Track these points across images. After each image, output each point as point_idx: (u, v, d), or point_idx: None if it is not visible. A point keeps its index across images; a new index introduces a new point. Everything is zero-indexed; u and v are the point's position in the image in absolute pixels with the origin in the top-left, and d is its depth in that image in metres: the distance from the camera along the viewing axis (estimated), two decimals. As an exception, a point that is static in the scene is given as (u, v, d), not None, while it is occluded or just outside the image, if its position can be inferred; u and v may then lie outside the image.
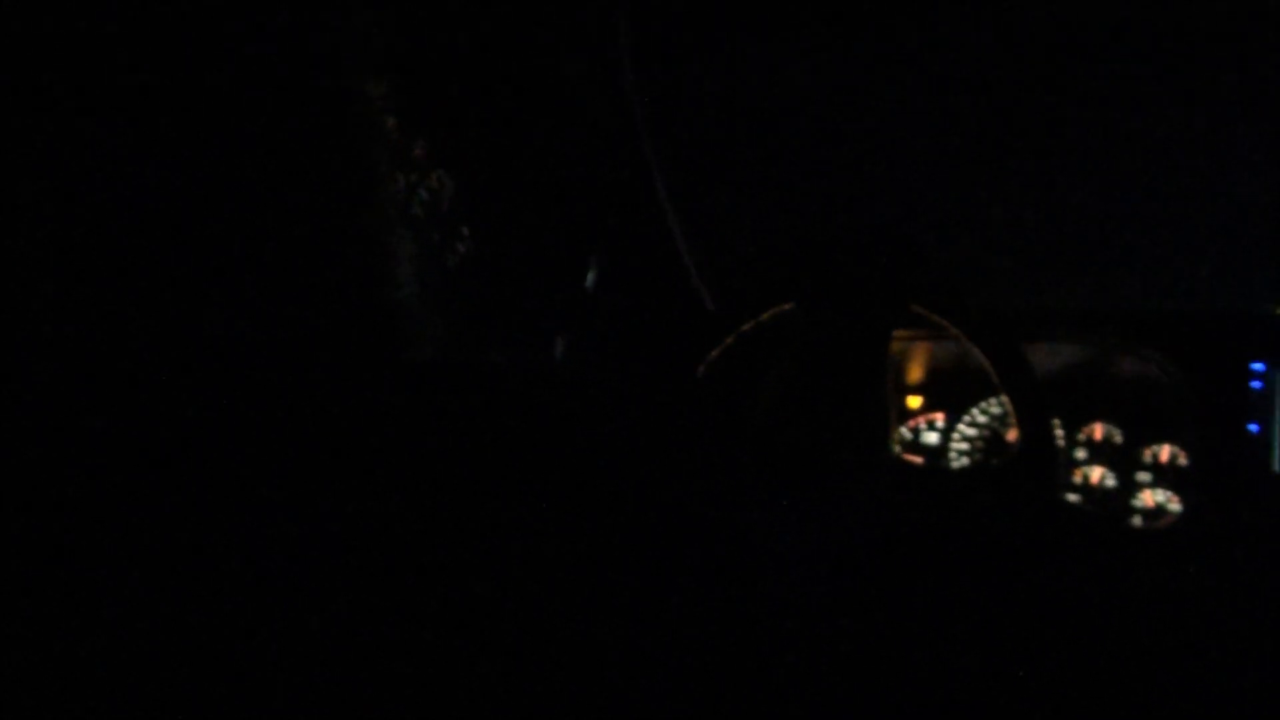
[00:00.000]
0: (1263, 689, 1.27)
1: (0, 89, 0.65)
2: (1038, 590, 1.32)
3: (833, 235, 1.30)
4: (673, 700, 0.84)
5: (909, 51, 1.81)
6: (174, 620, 0.65)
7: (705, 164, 1.89)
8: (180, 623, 0.65)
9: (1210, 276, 1.81)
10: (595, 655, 0.79)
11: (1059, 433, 1.76)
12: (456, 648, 0.72)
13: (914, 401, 1.94)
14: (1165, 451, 1.67)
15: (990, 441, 1.85)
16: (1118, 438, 1.73)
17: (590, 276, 1.67)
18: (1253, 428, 1.45)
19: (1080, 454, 1.75)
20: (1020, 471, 1.24)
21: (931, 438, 1.90)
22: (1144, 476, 1.68)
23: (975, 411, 1.87)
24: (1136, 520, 1.66)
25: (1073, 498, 1.73)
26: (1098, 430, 1.75)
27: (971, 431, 1.87)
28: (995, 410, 1.85)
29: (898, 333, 1.75)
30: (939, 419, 1.91)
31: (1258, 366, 1.47)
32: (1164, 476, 1.67)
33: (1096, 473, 1.72)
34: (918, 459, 1.89)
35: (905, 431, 1.93)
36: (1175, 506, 1.63)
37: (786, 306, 1.33)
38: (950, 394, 1.90)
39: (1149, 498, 1.66)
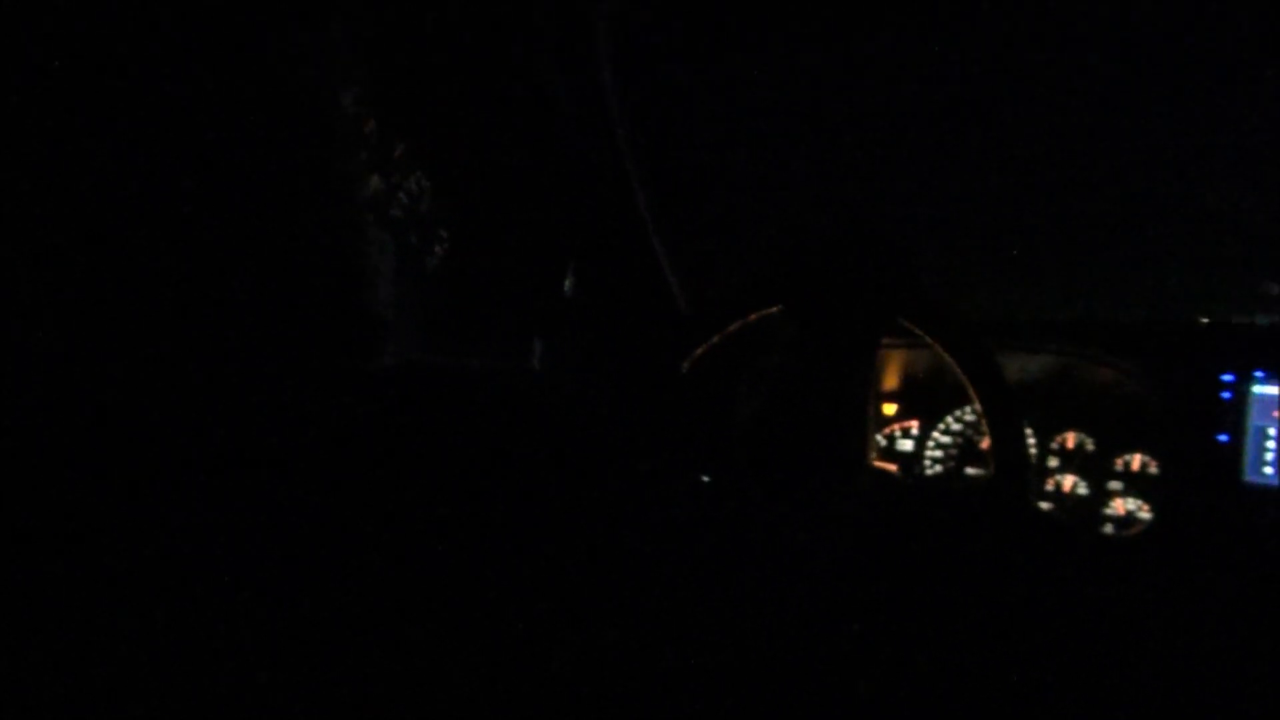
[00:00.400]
0: (1230, 691, 1.29)
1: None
2: (1011, 595, 1.33)
3: (823, 240, 1.30)
4: (650, 699, 0.84)
5: (888, 62, 1.82)
6: (147, 617, 0.65)
7: (684, 169, 1.90)
8: (153, 620, 0.65)
9: (1181, 287, 1.83)
10: (574, 656, 0.79)
11: (1031, 441, 1.77)
12: (437, 646, 0.72)
13: (889, 409, 1.95)
14: (1136, 460, 1.69)
15: (964, 449, 1.86)
16: (1089, 446, 1.74)
17: (568, 280, 1.67)
18: (1222, 437, 1.46)
19: (1053, 462, 1.76)
20: (993, 480, 1.25)
21: (906, 445, 1.91)
22: (1115, 485, 1.70)
23: (949, 419, 1.88)
24: (1107, 528, 1.68)
25: (1045, 505, 1.74)
26: (1070, 439, 1.76)
27: (945, 439, 1.88)
28: (969, 418, 1.87)
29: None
30: (914, 426, 1.92)
31: (1227, 377, 1.49)
32: (1135, 485, 1.68)
33: (1068, 481, 1.74)
34: (892, 466, 1.90)
35: (880, 439, 1.94)
36: (1145, 515, 1.64)
37: (774, 310, 1.33)
38: (925, 401, 1.91)
39: (1120, 506, 1.68)
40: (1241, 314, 1.68)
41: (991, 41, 1.74)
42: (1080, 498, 1.72)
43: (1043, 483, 1.76)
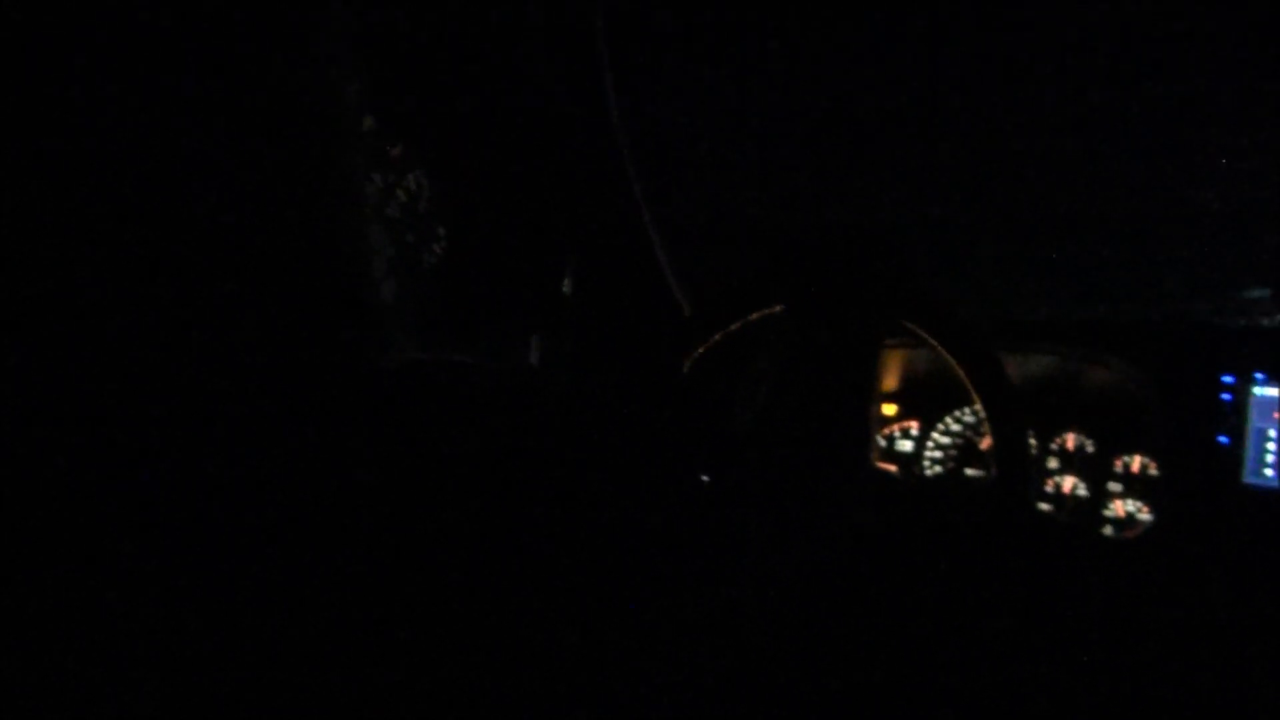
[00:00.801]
0: (1230, 693, 1.29)
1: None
2: (1010, 597, 1.32)
3: (825, 239, 1.30)
4: (648, 700, 0.83)
5: (890, 62, 1.82)
6: (147, 622, 0.64)
7: (685, 167, 1.89)
8: (154, 624, 0.65)
9: (1182, 288, 1.83)
10: (574, 657, 0.78)
11: (1031, 443, 1.77)
12: (436, 649, 0.72)
13: (888, 409, 1.94)
14: (1136, 462, 1.69)
15: (963, 450, 1.86)
16: (1090, 448, 1.74)
17: (567, 279, 1.66)
18: (1222, 439, 1.46)
19: (1053, 463, 1.76)
20: (994, 480, 1.24)
21: (905, 445, 1.91)
22: (1115, 486, 1.69)
23: (949, 419, 1.88)
24: (1107, 529, 1.67)
25: (1045, 507, 1.74)
26: (1070, 440, 1.76)
27: (945, 439, 1.88)
28: (968, 418, 1.86)
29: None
30: (913, 427, 1.92)
31: (1228, 379, 1.48)
32: (1134, 486, 1.68)
33: (1068, 482, 1.73)
34: (892, 467, 1.90)
35: (880, 439, 1.93)
36: (1145, 516, 1.64)
37: (775, 309, 1.32)
38: (924, 402, 1.91)
39: (1120, 507, 1.68)
40: (1241, 316, 1.68)
41: (993, 40, 1.73)
42: (1080, 499, 1.72)
43: (1042, 484, 1.76)
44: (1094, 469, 1.72)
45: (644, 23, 1.68)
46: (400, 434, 0.80)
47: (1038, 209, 1.94)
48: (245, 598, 0.67)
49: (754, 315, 1.35)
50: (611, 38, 1.60)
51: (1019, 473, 1.24)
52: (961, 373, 1.27)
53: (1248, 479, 1.44)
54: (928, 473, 1.88)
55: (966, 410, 1.87)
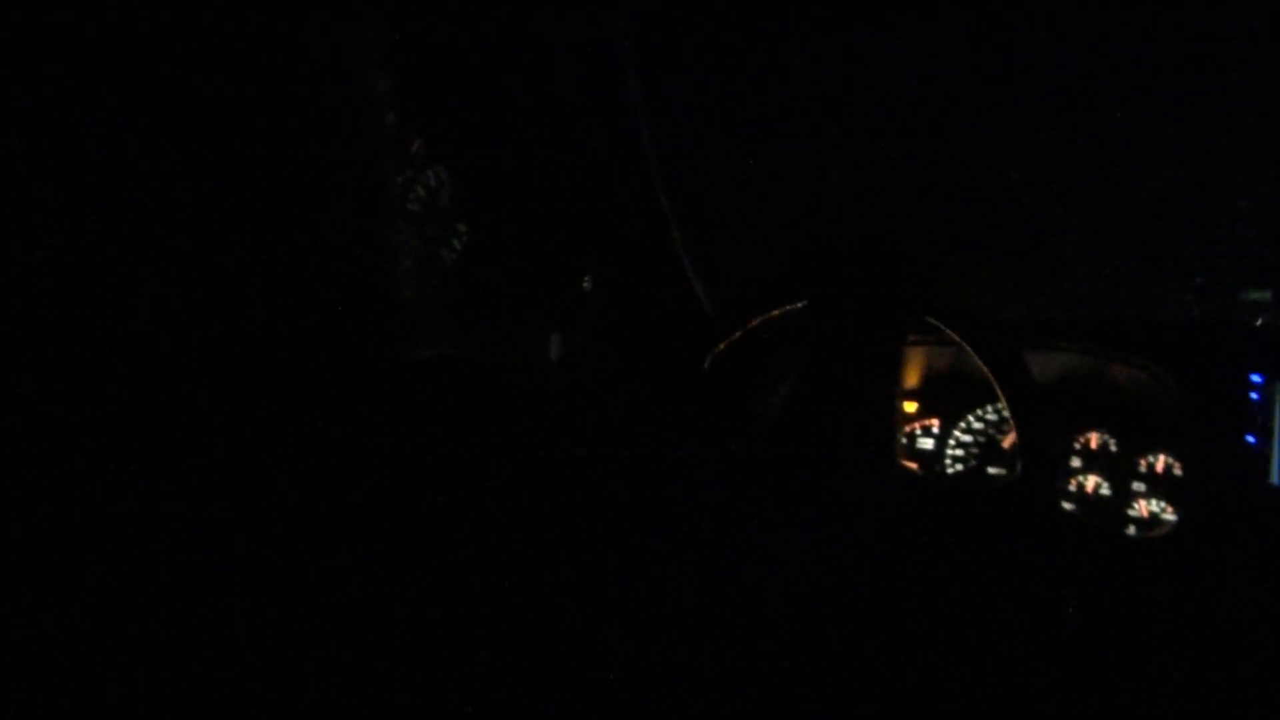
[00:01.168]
0: (1253, 697, 1.27)
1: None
2: (1033, 596, 1.31)
3: (848, 236, 1.29)
4: (672, 698, 0.83)
5: (914, 62, 1.81)
6: (173, 612, 0.65)
7: (708, 165, 1.89)
8: (179, 615, 0.65)
9: (1210, 287, 1.81)
10: (594, 652, 0.78)
11: (1056, 441, 1.76)
12: (454, 643, 0.72)
13: (910, 406, 1.93)
14: (1161, 461, 1.67)
15: (985, 448, 1.85)
16: (1113, 447, 1.72)
17: (588, 275, 1.66)
18: (1250, 440, 1.44)
19: (1076, 462, 1.74)
20: (1019, 478, 1.23)
21: (927, 443, 1.90)
22: (1139, 486, 1.68)
23: (970, 417, 1.87)
24: (1131, 530, 1.66)
25: (1068, 506, 1.72)
26: (1094, 439, 1.74)
27: (967, 438, 1.87)
28: (990, 416, 1.85)
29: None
30: (934, 425, 1.90)
31: (1256, 378, 1.47)
32: (1159, 486, 1.66)
33: (1091, 481, 1.72)
34: (913, 465, 1.89)
35: (901, 437, 1.92)
36: (1170, 517, 1.62)
37: (799, 305, 1.32)
38: (946, 399, 1.90)
39: (1143, 507, 1.66)
40: (1271, 314, 1.66)
41: (1020, 43, 1.72)
42: (1103, 498, 1.70)
43: (1066, 483, 1.74)
44: (1118, 468, 1.71)
45: (670, 20, 1.68)
46: (419, 430, 0.80)
47: (1065, 207, 1.93)
48: (266, 591, 0.67)
49: (777, 311, 1.34)
50: (636, 35, 1.59)
51: (1042, 470, 1.23)
52: (985, 369, 1.26)
53: (1276, 480, 1.42)
54: (949, 471, 1.87)
55: (989, 408, 1.85)
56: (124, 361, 0.68)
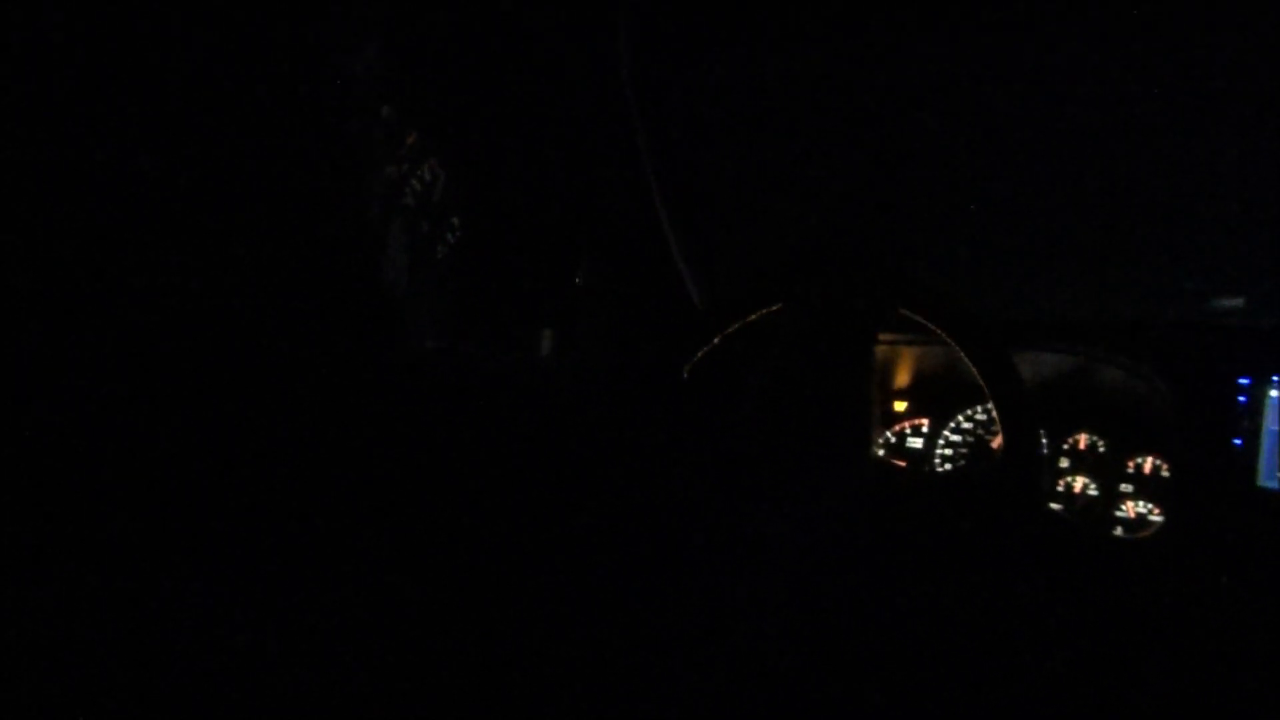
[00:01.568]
0: (1238, 697, 1.28)
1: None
2: (1019, 595, 1.32)
3: (820, 237, 1.30)
4: (654, 695, 0.83)
5: (901, 59, 1.81)
6: (164, 604, 0.65)
7: (699, 162, 1.89)
8: (170, 606, 0.65)
9: (1199, 289, 1.82)
10: (578, 647, 0.78)
11: (1043, 441, 1.76)
12: (444, 636, 0.72)
13: (899, 406, 1.94)
14: (1149, 463, 1.68)
15: (974, 448, 1.85)
16: (1102, 448, 1.73)
17: (580, 271, 1.66)
18: (1237, 441, 1.45)
19: (1064, 463, 1.75)
20: (1004, 479, 1.24)
21: (916, 443, 1.91)
22: (1126, 487, 1.68)
23: (960, 418, 1.88)
24: (1118, 530, 1.67)
25: (1055, 506, 1.73)
26: (1082, 440, 1.75)
27: (956, 437, 1.87)
28: (980, 417, 1.86)
29: (886, 337, 1.75)
30: (924, 424, 1.91)
31: (1244, 381, 1.47)
32: (1146, 487, 1.67)
33: (1079, 482, 1.73)
34: (902, 463, 1.89)
35: (890, 436, 1.93)
36: (1157, 518, 1.63)
37: (774, 308, 1.33)
38: (936, 399, 1.90)
39: (1131, 508, 1.67)
40: (1261, 316, 1.67)
41: (1007, 42, 1.73)
42: (1091, 499, 1.71)
43: (1054, 483, 1.75)
44: (1106, 469, 1.72)
45: (665, 19, 1.68)
46: (410, 423, 0.80)
47: (1054, 207, 1.93)
48: (256, 585, 0.67)
49: (753, 315, 1.35)
50: (631, 32, 1.60)
51: (1026, 453, 1.23)
52: (964, 357, 1.27)
53: (1262, 482, 1.43)
54: (938, 470, 1.88)
55: (978, 408, 1.86)
56: (114, 358, 0.68)
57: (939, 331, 1.28)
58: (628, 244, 1.69)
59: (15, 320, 0.64)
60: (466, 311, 1.53)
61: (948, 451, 1.87)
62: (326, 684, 0.67)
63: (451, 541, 0.76)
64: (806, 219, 2.03)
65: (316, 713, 0.66)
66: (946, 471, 1.86)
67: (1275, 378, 1.46)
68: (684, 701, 0.86)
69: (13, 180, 0.64)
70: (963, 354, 1.27)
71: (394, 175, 1.38)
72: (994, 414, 1.26)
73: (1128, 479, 1.69)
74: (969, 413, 1.87)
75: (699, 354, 1.35)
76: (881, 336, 1.72)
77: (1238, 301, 1.78)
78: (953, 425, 1.88)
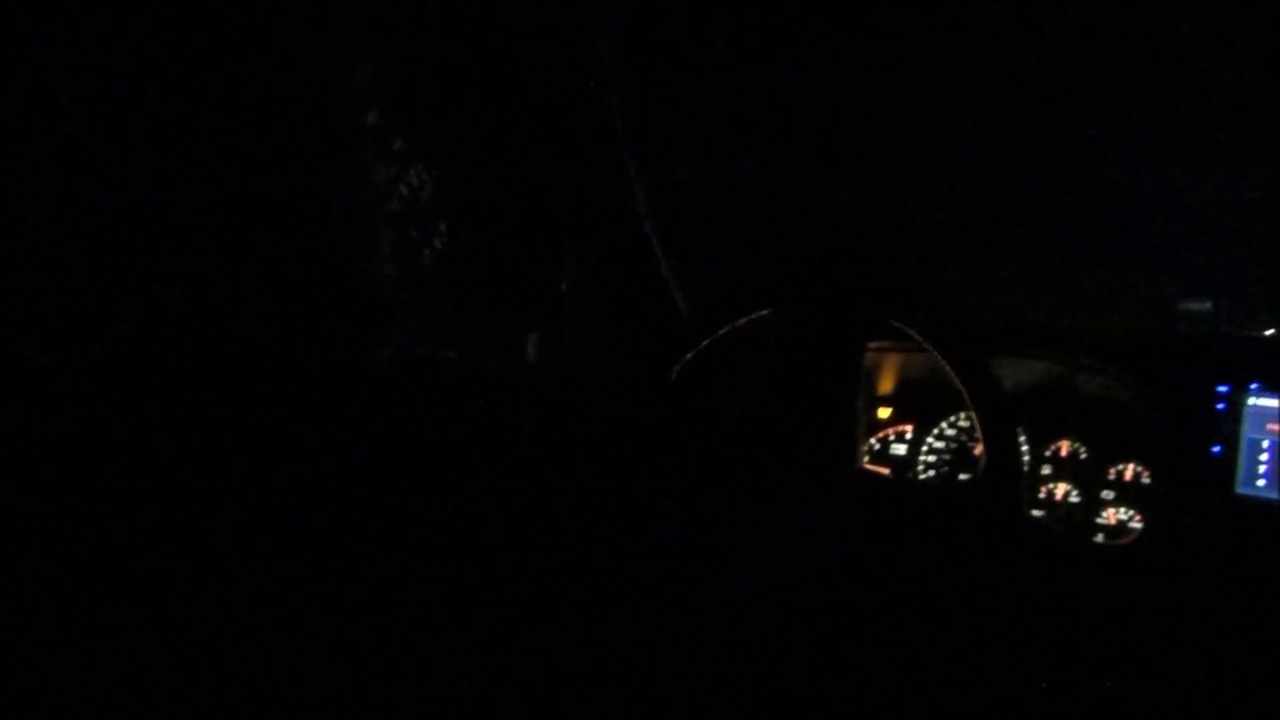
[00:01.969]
0: (1218, 702, 1.29)
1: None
2: (1001, 601, 1.33)
3: (811, 245, 1.31)
4: (636, 700, 0.84)
5: (884, 68, 1.82)
6: (129, 609, 0.65)
7: (685, 167, 1.90)
8: (133, 612, 0.65)
9: (1167, 294, 1.84)
10: (560, 652, 0.79)
11: (1025, 448, 1.78)
12: (424, 637, 0.72)
13: (883, 413, 1.94)
14: (1129, 470, 1.69)
15: (958, 455, 1.86)
16: (1083, 454, 1.74)
17: (566, 276, 1.67)
18: (1216, 449, 1.46)
19: (1046, 470, 1.76)
20: (985, 485, 1.25)
21: (900, 449, 1.91)
22: (1108, 494, 1.70)
23: (944, 425, 1.88)
24: (1099, 537, 1.68)
25: (1037, 513, 1.74)
26: (1064, 447, 1.76)
27: (939, 444, 1.88)
28: (963, 424, 1.87)
29: (870, 344, 1.76)
30: (908, 431, 1.92)
31: (1223, 388, 1.49)
32: (1127, 494, 1.68)
33: (1061, 489, 1.74)
34: (885, 470, 1.90)
35: (874, 442, 1.94)
36: (1137, 524, 1.64)
37: (763, 313, 1.34)
38: (919, 406, 1.91)
39: (1112, 515, 1.68)
40: (1240, 325, 1.69)
41: (995, 54, 1.74)
42: (1072, 505, 1.72)
43: (1035, 490, 1.76)
44: (1087, 476, 1.73)
45: (651, 25, 1.68)
46: (396, 427, 0.80)
47: (1037, 216, 1.94)
48: (241, 588, 0.67)
49: (741, 320, 1.36)
50: (617, 39, 1.60)
51: (1007, 463, 1.24)
52: (946, 365, 1.28)
53: (1241, 489, 1.44)
54: (921, 477, 1.88)
55: (961, 415, 1.87)
56: (99, 361, 0.68)
57: (920, 339, 1.29)
58: (614, 249, 1.70)
59: (5, 321, 0.65)
60: (454, 315, 1.54)
61: (931, 459, 1.88)
62: (303, 680, 0.67)
63: (436, 541, 0.76)
64: (793, 226, 2.04)
65: (291, 712, 0.67)
66: (929, 480, 1.87)
67: (1253, 386, 1.47)
68: (667, 703, 0.87)
69: (6, 184, 0.64)
70: (943, 361, 1.28)
71: (382, 180, 1.38)
72: (975, 420, 1.27)
73: (1109, 486, 1.70)
74: (952, 419, 1.88)
75: (686, 358, 1.35)
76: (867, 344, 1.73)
77: (1205, 305, 1.80)
78: (936, 432, 1.89)
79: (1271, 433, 1.45)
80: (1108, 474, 1.71)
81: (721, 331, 1.36)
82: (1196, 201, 1.79)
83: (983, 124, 1.85)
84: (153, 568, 0.66)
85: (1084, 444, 1.75)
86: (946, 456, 1.87)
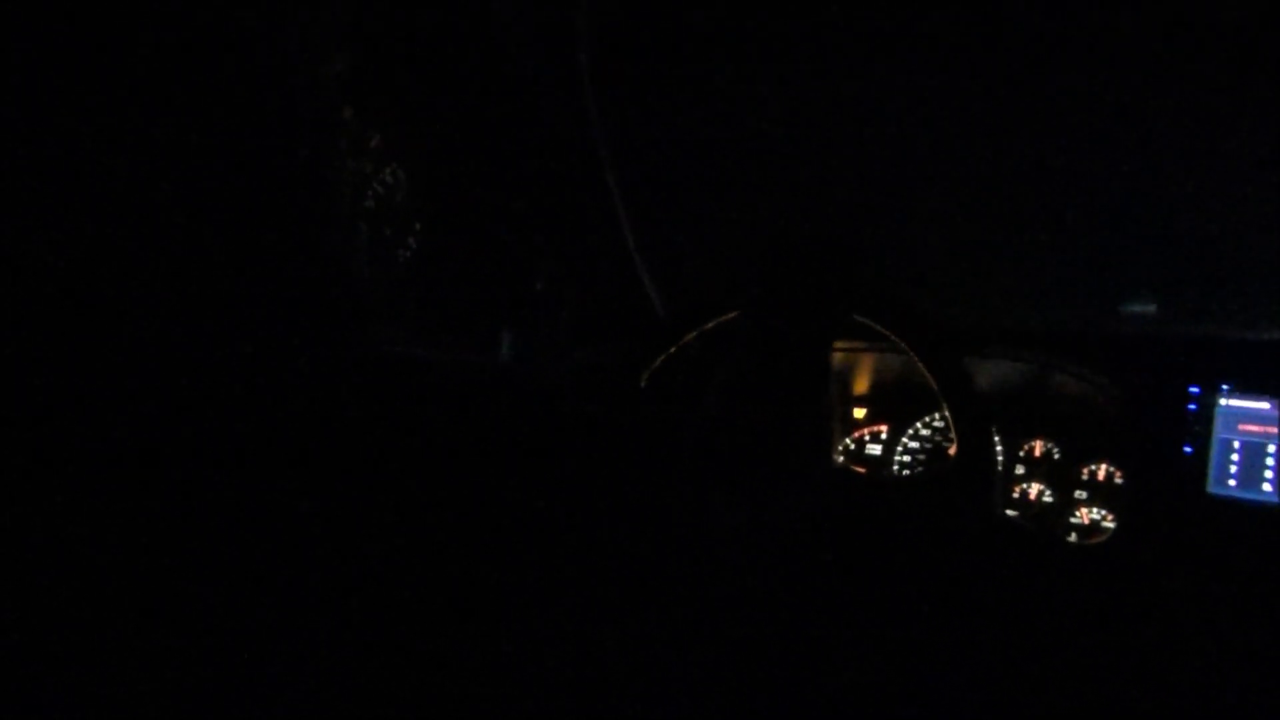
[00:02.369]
0: (1189, 698, 1.30)
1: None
2: (975, 599, 1.33)
3: (775, 244, 1.31)
4: (608, 692, 0.84)
5: (857, 69, 1.83)
6: (112, 602, 0.64)
7: (660, 169, 1.90)
8: (117, 604, 0.64)
9: (1151, 300, 1.85)
10: (530, 646, 0.79)
11: (999, 448, 1.79)
12: (398, 633, 0.72)
13: (859, 413, 1.95)
14: (1102, 470, 1.70)
15: (933, 454, 1.87)
16: (1057, 455, 1.76)
17: (540, 276, 1.66)
18: (1187, 449, 1.48)
19: (1020, 470, 1.77)
20: (957, 479, 1.25)
21: (875, 449, 1.92)
22: (1081, 494, 1.71)
23: (919, 424, 1.89)
24: (1072, 536, 1.69)
25: (1011, 513, 1.75)
26: (1038, 447, 1.77)
27: (914, 444, 1.89)
28: (938, 423, 1.87)
29: (845, 344, 1.77)
30: (883, 431, 1.93)
31: (1194, 389, 1.50)
32: (1100, 494, 1.70)
33: (1035, 489, 1.75)
34: (861, 469, 1.91)
35: (849, 442, 1.94)
36: (1109, 524, 1.66)
37: (732, 315, 1.34)
38: (895, 407, 1.92)
39: (1085, 514, 1.69)
40: (1210, 326, 1.70)
41: (961, 50, 1.75)
42: (1046, 505, 1.73)
43: (1009, 490, 1.77)
44: (1061, 476, 1.74)
45: (625, 28, 1.68)
46: (369, 425, 0.80)
47: (1011, 218, 1.95)
48: (212, 580, 0.67)
49: (711, 323, 1.36)
50: (592, 40, 1.60)
51: (978, 453, 1.25)
52: (915, 358, 1.28)
53: (1211, 489, 1.46)
54: (895, 475, 1.89)
55: (937, 415, 1.88)
56: (62, 357, 0.67)
57: (892, 336, 1.29)
58: (588, 249, 1.69)
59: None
60: (428, 314, 1.53)
61: (906, 458, 1.89)
62: (266, 674, 0.67)
63: (408, 539, 0.76)
64: (764, 226, 2.04)
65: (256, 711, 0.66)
66: (901, 476, 1.88)
67: (1224, 387, 1.49)
68: (637, 698, 0.87)
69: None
70: (914, 357, 1.28)
71: (357, 178, 1.37)
72: (946, 411, 1.27)
73: (1082, 486, 1.71)
74: (928, 419, 1.89)
75: (657, 362, 1.35)
76: (841, 344, 1.73)
77: (1150, 307, 1.82)
78: (911, 432, 1.90)
79: (1242, 433, 1.46)
80: (1081, 474, 1.72)
81: (691, 336, 1.37)
82: (1146, 204, 1.81)
83: (958, 119, 1.85)
84: (129, 559, 0.66)
85: (1057, 444, 1.76)
86: (921, 456, 1.88)
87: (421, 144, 1.52)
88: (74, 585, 0.64)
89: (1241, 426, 1.47)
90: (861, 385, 1.95)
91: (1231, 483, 1.45)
